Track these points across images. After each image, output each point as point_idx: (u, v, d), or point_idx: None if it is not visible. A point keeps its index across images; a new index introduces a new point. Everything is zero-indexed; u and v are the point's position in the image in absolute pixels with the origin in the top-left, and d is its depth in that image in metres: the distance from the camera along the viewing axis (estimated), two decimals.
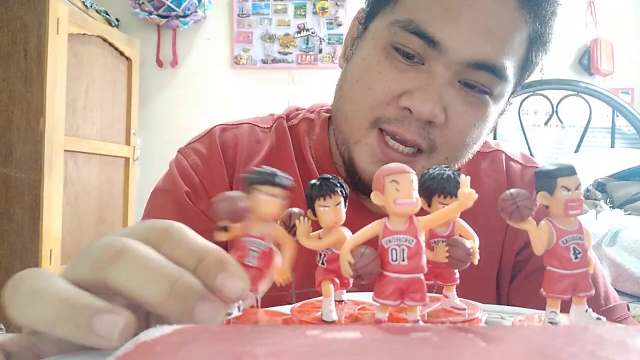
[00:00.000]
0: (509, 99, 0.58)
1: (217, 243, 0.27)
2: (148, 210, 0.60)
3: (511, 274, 0.60)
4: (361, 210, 0.58)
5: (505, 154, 0.66)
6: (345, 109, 0.56)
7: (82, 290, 0.24)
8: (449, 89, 0.51)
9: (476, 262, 0.28)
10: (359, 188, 0.56)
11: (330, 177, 0.28)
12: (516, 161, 0.65)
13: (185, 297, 0.24)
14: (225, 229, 0.27)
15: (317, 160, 0.62)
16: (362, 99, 0.53)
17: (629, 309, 0.59)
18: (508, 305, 0.60)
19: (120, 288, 0.24)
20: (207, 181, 0.59)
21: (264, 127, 0.65)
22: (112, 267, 0.24)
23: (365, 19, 0.57)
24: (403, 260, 0.25)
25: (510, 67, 0.52)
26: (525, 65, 0.56)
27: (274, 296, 0.58)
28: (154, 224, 0.28)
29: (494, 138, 2.02)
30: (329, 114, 0.65)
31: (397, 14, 0.52)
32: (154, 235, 0.26)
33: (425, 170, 0.52)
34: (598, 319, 0.26)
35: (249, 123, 0.65)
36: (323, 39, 2.82)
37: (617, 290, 1.11)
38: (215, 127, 0.65)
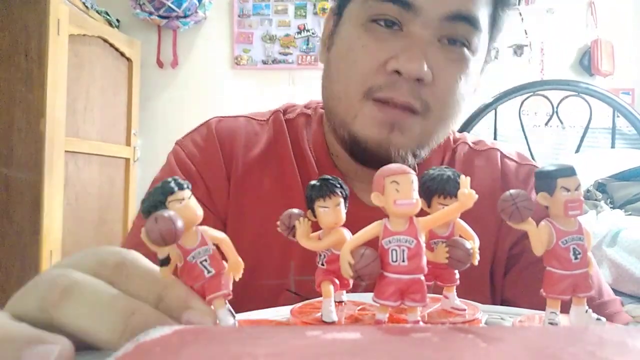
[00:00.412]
0: (486, 58, 0.60)
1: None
2: None
3: (505, 268, 0.61)
4: (354, 202, 0.59)
5: (501, 152, 0.66)
6: (336, 90, 0.57)
7: (17, 322, 0.23)
8: (431, 48, 0.53)
9: (476, 263, 0.28)
10: (366, 160, 0.57)
11: (330, 177, 0.28)
12: (511, 159, 0.66)
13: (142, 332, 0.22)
14: (166, 259, 0.25)
15: (315, 154, 0.62)
16: (350, 74, 0.55)
17: (622, 305, 0.59)
18: (502, 298, 0.60)
19: (69, 329, 0.23)
20: (203, 170, 0.60)
21: (261, 120, 0.66)
22: (59, 307, 0.23)
23: (339, 8, 0.60)
24: (403, 261, 0.25)
25: (482, 17, 0.54)
26: (494, 20, 0.58)
27: (274, 284, 0.58)
28: (106, 257, 0.26)
29: (494, 138, 2.02)
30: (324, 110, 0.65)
31: None
32: (105, 273, 0.25)
33: (420, 133, 0.54)
34: (598, 319, 0.26)
35: (245, 116, 0.67)
36: None
37: (617, 291, 1.11)
38: (211, 119, 0.65)
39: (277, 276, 0.58)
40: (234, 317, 0.26)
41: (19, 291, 0.26)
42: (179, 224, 0.24)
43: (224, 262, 0.26)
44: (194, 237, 0.25)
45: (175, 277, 0.26)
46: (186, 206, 0.25)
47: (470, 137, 0.69)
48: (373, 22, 0.54)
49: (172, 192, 0.25)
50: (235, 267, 0.27)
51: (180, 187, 0.25)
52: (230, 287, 0.26)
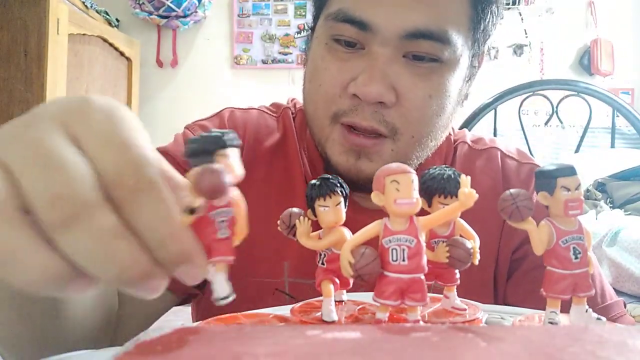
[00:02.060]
0: (472, 62, 0.57)
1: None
2: None
3: (508, 271, 0.60)
4: (352, 206, 0.59)
5: (501, 151, 0.65)
6: (308, 110, 0.57)
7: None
8: (393, 66, 0.50)
9: (477, 263, 0.28)
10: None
11: (330, 177, 0.28)
12: (512, 158, 0.65)
13: (133, 283, 0.22)
14: (194, 209, 0.24)
15: (310, 155, 0.62)
16: (317, 97, 0.54)
17: (625, 306, 0.59)
18: (505, 303, 0.60)
19: (67, 253, 0.22)
20: None
21: (273, 114, 0.66)
22: (63, 232, 0.21)
23: (313, 23, 0.59)
24: (403, 260, 0.25)
25: (452, 29, 0.51)
26: (475, 23, 0.54)
27: (266, 282, 0.58)
28: (128, 169, 0.23)
29: (494, 136, 2.01)
30: None
31: (330, 8, 0.53)
32: (121, 193, 0.22)
33: (392, 156, 0.52)
34: (598, 319, 0.26)
35: (257, 109, 0.67)
36: None
37: (617, 291, 1.11)
38: (224, 109, 0.65)
39: (270, 275, 0.57)
40: (230, 287, 0.25)
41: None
42: (228, 181, 0.23)
43: None
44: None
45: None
46: (230, 164, 0.24)
47: (469, 134, 0.68)
48: (335, 41, 0.53)
49: (223, 146, 0.24)
50: (240, 233, 0.26)
51: (232, 145, 0.25)
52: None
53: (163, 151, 0.60)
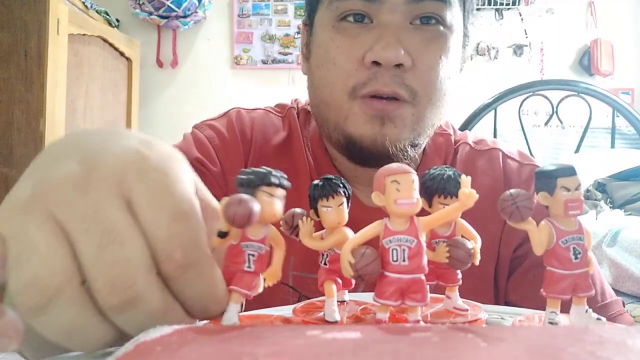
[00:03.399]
0: (465, 31, 0.60)
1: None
2: None
3: (509, 269, 0.61)
4: (354, 203, 0.59)
5: (502, 152, 0.66)
6: (323, 96, 0.57)
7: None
8: (405, 32, 0.52)
9: (477, 263, 0.28)
10: (365, 160, 0.57)
11: (333, 177, 0.28)
12: (513, 159, 0.65)
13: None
14: (224, 234, 0.25)
15: (314, 153, 0.63)
16: (332, 77, 0.55)
17: (624, 305, 0.59)
18: (506, 301, 0.60)
19: (121, 326, 0.24)
20: (221, 153, 0.60)
21: (278, 114, 0.67)
22: (119, 313, 0.23)
23: (309, 19, 0.61)
24: (404, 260, 0.25)
25: None
26: None
27: None
28: (181, 211, 0.24)
29: (494, 136, 2.01)
30: None
31: None
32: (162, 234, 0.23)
33: (413, 120, 0.54)
34: (598, 319, 0.26)
35: (263, 109, 0.68)
36: None
37: (617, 291, 1.11)
38: (231, 109, 0.67)
39: None
40: (238, 320, 0.26)
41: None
42: (255, 216, 0.24)
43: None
44: (259, 231, 0.26)
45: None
46: (271, 203, 0.25)
47: (471, 136, 0.69)
48: (342, 20, 0.54)
49: (269, 184, 0.25)
50: (272, 275, 0.27)
51: (279, 185, 0.26)
52: (255, 292, 0.26)
53: None
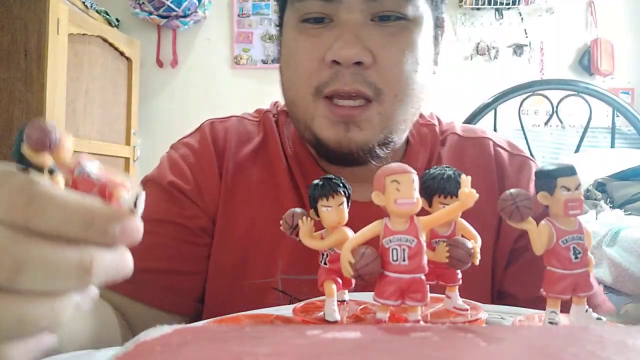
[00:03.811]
0: (436, 23, 0.60)
1: None
2: None
3: (507, 260, 0.60)
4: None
5: (493, 141, 0.66)
6: (290, 96, 0.58)
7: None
8: (364, 29, 0.52)
9: (477, 263, 0.28)
10: (332, 159, 0.57)
11: (333, 177, 0.28)
12: (504, 149, 0.66)
13: (105, 225, 0.24)
14: (50, 171, 0.25)
15: (296, 152, 0.63)
16: (296, 77, 0.56)
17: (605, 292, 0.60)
18: (501, 290, 0.60)
19: (43, 229, 0.23)
20: (195, 170, 0.61)
21: (253, 120, 0.67)
22: (32, 211, 0.23)
23: (280, 19, 0.61)
24: (404, 260, 0.25)
25: None
26: None
27: (261, 283, 0.58)
28: (13, 200, 0.24)
29: None
30: None
31: None
32: (17, 216, 0.24)
33: (381, 120, 0.54)
34: (598, 319, 0.26)
35: (237, 116, 0.68)
36: None
37: (617, 291, 1.11)
38: (204, 122, 0.67)
39: (265, 275, 0.57)
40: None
41: None
42: (55, 134, 0.24)
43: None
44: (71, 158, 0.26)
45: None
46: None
47: (458, 125, 0.69)
48: (304, 21, 0.54)
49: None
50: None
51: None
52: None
53: (148, 180, 0.62)
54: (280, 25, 0.61)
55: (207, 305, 0.58)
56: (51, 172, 0.25)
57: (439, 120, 0.68)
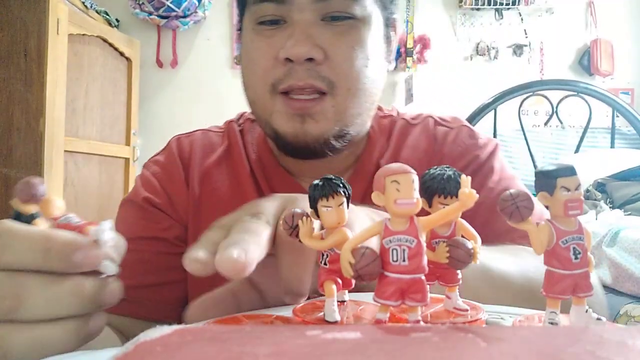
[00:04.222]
0: (387, 23, 0.62)
1: None
2: (117, 220, 0.66)
3: None
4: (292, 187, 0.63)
5: (434, 119, 0.70)
6: (250, 95, 0.61)
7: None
8: (315, 28, 0.55)
9: (477, 263, 0.28)
10: (291, 152, 0.60)
11: (333, 177, 0.28)
12: (444, 125, 0.69)
13: (63, 251, 0.27)
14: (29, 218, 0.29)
15: (259, 154, 0.67)
16: (253, 76, 0.59)
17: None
18: None
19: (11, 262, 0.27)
20: (166, 183, 0.65)
21: (218, 131, 0.71)
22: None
23: (240, 23, 0.64)
24: (404, 260, 0.25)
25: None
26: None
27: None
28: None
29: (494, 136, 2.02)
30: None
31: None
32: None
33: (334, 113, 0.56)
34: (598, 319, 0.26)
35: (202, 130, 0.73)
36: None
37: (617, 291, 1.11)
38: (171, 139, 0.71)
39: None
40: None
41: None
42: (41, 189, 0.28)
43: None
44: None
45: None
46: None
47: (411, 113, 0.72)
48: (260, 24, 0.58)
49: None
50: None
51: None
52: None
53: (126, 201, 0.66)
54: (240, 29, 0.64)
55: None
56: (33, 217, 0.29)
57: (398, 112, 0.72)
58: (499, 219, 0.27)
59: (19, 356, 0.26)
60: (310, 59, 0.54)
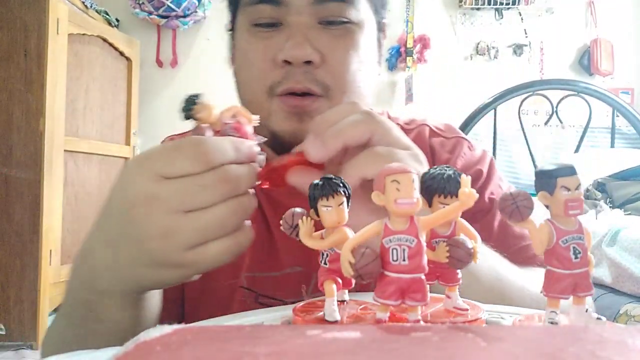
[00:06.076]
0: (379, 27, 0.63)
1: None
2: None
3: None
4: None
5: (430, 128, 0.70)
6: (245, 96, 0.62)
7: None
8: (312, 31, 0.56)
9: (477, 263, 0.28)
10: (285, 153, 0.60)
11: (333, 177, 0.28)
12: (439, 135, 0.69)
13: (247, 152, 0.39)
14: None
15: None
16: (250, 79, 0.59)
17: None
18: None
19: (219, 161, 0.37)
20: None
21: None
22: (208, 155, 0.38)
23: (231, 24, 0.64)
24: (404, 260, 0.25)
25: None
26: None
27: (228, 284, 0.60)
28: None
29: (494, 137, 2.02)
30: None
31: None
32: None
33: (325, 110, 0.57)
34: (598, 319, 0.26)
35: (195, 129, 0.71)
36: None
37: (617, 291, 1.11)
38: (164, 140, 0.71)
39: (231, 276, 0.60)
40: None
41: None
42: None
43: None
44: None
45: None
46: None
47: (404, 117, 0.73)
48: (256, 26, 0.58)
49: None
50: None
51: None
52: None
53: None
54: (232, 29, 0.64)
55: (186, 310, 0.61)
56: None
57: (388, 115, 0.72)
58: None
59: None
60: (308, 62, 0.55)
